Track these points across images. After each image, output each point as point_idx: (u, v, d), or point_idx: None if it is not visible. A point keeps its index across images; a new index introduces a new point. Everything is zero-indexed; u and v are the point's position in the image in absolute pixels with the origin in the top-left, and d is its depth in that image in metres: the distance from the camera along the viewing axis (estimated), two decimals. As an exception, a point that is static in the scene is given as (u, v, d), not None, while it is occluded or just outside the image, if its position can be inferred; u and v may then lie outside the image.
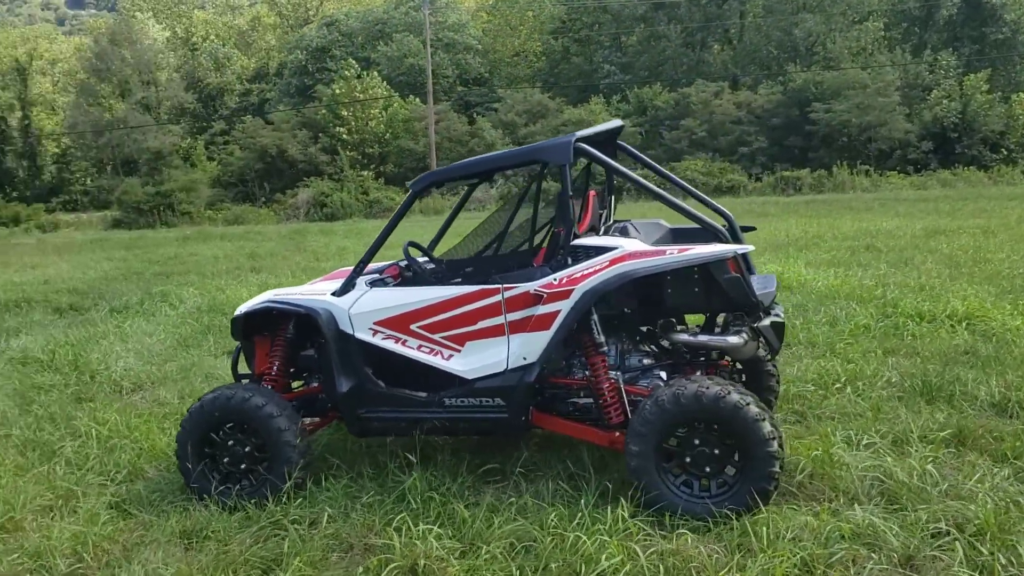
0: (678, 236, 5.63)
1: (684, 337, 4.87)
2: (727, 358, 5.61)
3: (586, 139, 4.96)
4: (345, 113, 44.56)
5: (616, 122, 5.58)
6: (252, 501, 4.76)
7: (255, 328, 5.42)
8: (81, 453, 5.85)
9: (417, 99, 46.03)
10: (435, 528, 4.23)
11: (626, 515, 4.22)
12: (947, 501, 4.27)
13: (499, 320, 4.75)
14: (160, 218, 39.78)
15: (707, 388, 4.33)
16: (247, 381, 5.46)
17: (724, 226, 5.56)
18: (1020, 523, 4.02)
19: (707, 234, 5.56)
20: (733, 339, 4.75)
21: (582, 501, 4.38)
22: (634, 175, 4.92)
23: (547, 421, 4.98)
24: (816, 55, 45.64)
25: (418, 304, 4.87)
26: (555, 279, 4.62)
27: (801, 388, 6.31)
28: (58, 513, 4.87)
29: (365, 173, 41.19)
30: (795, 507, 4.38)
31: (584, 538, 3.98)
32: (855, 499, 4.47)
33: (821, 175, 35.10)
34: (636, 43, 53.00)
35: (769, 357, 5.67)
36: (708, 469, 4.42)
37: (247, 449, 4.94)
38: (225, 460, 4.97)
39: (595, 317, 4.71)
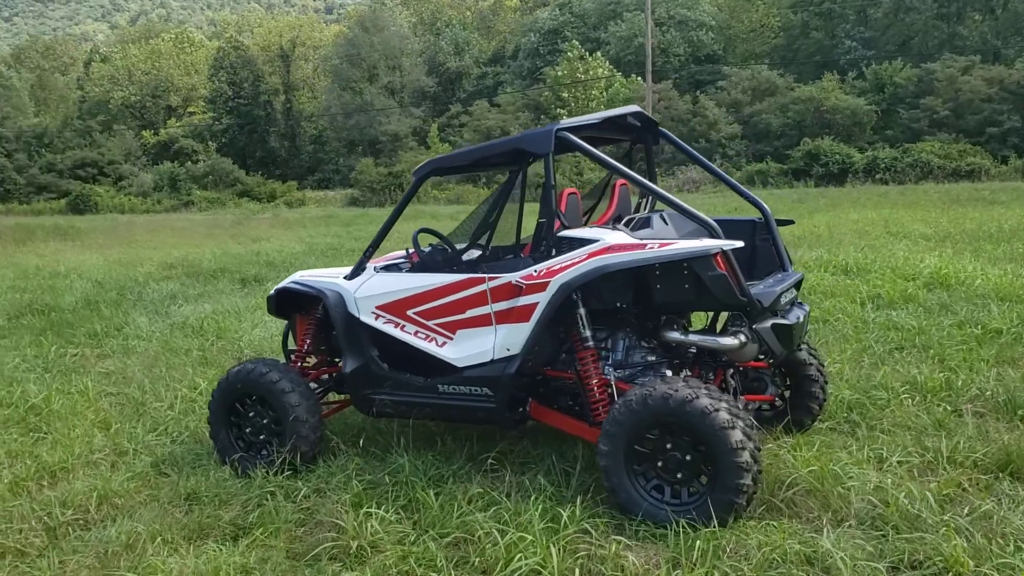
0: (713, 228, 5.33)
1: (676, 335, 4.63)
2: (769, 361, 5.31)
3: (584, 127, 4.81)
4: (566, 95, 45.01)
5: (631, 108, 5.33)
6: (264, 469, 5.03)
7: (296, 306, 5.71)
8: (162, 413, 6.42)
9: (639, 78, 45.65)
10: (385, 513, 4.30)
11: (578, 514, 4.11)
12: (926, 534, 3.81)
13: (486, 310, 4.73)
14: (390, 197, 42.14)
15: (676, 390, 4.10)
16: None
17: (759, 219, 5.23)
18: (994, 562, 3.53)
19: (742, 226, 5.29)
20: (726, 340, 4.46)
21: (532, 498, 4.29)
22: (621, 167, 4.68)
23: (543, 414, 4.91)
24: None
25: (413, 291, 4.95)
26: (535, 271, 4.53)
27: (872, 396, 5.78)
28: (105, 467, 5.39)
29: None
30: (774, 524, 4.06)
31: (496, 533, 3.92)
32: (843, 521, 4.09)
33: (1081, 159, 31.35)
34: (883, 16, 49.64)
35: (811, 361, 5.28)
36: (680, 476, 4.19)
37: (265, 421, 5.24)
38: (247, 430, 5.30)
39: (582, 311, 4.57)
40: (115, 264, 17.30)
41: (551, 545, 3.83)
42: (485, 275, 4.71)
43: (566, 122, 4.68)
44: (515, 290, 4.59)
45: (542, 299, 4.49)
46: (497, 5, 76.55)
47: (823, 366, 5.36)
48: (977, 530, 3.85)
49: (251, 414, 5.27)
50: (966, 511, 4.04)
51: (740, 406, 4.82)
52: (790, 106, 41.07)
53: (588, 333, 4.58)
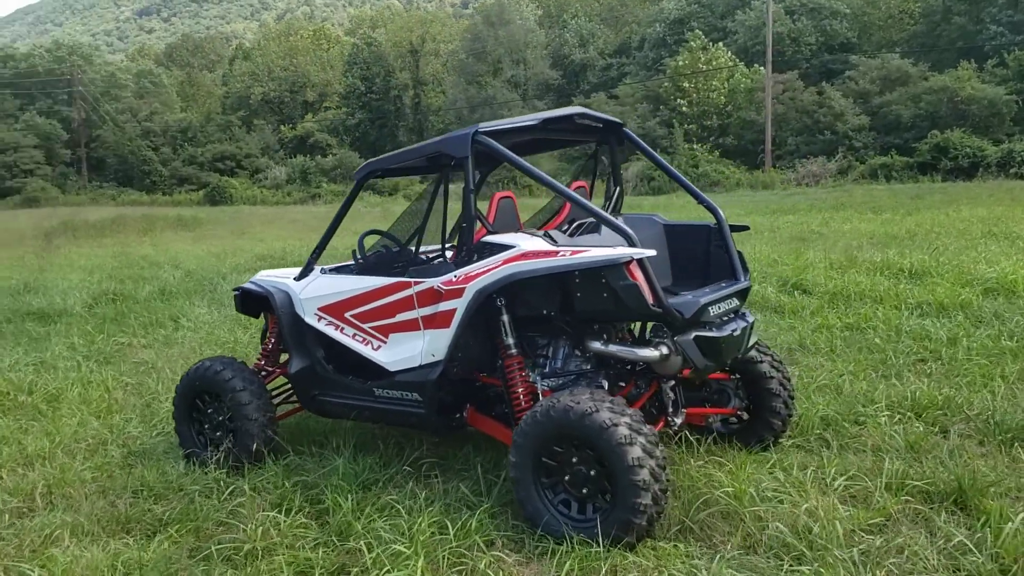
0: (670, 233, 5.12)
1: (597, 345, 4.45)
2: (735, 373, 5.09)
3: (520, 130, 4.65)
4: (687, 85, 44.08)
5: (575, 108, 5.10)
6: (204, 465, 5.12)
7: (267, 305, 5.78)
8: (160, 403, 6.64)
9: (762, 68, 44.25)
10: (294, 517, 4.30)
11: (475, 526, 4.03)
12: (823, 568, 3.53)
13: (414, 314, 4.67)
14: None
15: (577, 403, 3.94)
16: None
17: (713, 224, 4.96)
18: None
19: (696, 232, 5.06)
20: (645, 352, 4.25)
21: (430, 508, 4.21)
22: (537, 171, 4.48)
23: (479, 421, 4.83)
24: None
25: (349, 293, 4.94)
26: (454, 276, 4.45)
27: (856, 412, 5.43)
28: (81, 456, 5.60)
29: (698, 146, 40.52)
30: (678, 546, 3.86)
31: (382, 543, 3.87)
32: (752, 547, 3.85)
33: None
34: (1034, -3, 46.29)
35: (773, 375, 4.98)
36: (585, 491, 4.03)
37: (221, 418, 5.34)
38: (206, 426, 5.42)
39: (505, 317, 4.46)
40: (211, 255, 18.04)
41: (422, 558, 3.76)
42: (411, 279, 4.66)
43: (488, 124, 4.53)
44: (437, 295, 4.52)
45: (460, 305, 4.40)
46: (625, -4, 75.73)
47: (788, 380, 5.04)
48: (879, 566, 3.54)
49: (210, 410, 5.38)
50: (878, 543, 3.72)
51: (675, 420, 4.67)
52: (922, 96, 38.93)
53: (512, 340, 4.47)
